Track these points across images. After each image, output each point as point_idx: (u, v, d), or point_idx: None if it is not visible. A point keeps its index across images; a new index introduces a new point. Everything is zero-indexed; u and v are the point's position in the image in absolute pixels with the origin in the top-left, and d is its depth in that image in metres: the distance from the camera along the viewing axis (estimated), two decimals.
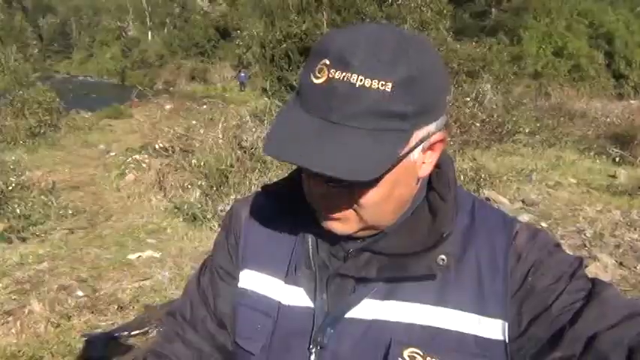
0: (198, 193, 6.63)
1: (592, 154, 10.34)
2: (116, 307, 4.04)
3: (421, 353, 0.81)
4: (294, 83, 10.65)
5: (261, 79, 16.67)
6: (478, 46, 15.29)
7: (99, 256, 5.05)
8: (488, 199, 6.78)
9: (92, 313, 3.92)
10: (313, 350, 0.86)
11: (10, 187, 6.26)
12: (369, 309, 0.85)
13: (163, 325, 1.10)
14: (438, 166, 0.89)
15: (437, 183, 0.89)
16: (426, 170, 0.83)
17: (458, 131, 9.20)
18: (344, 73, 0.71)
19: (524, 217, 6.06)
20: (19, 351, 3.32)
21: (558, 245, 0.88)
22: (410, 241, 0.85)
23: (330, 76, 0.72)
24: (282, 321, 0.90)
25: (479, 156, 8.89)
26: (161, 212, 6.44)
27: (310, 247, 0.91)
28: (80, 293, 4.23)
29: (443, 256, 0.82)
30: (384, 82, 0.70)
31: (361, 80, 0.70)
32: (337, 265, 0.89)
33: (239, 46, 31.21)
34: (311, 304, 0.88)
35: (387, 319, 0.83)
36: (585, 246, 5.41)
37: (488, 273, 0.83)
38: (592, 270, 4.61)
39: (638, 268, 4.86)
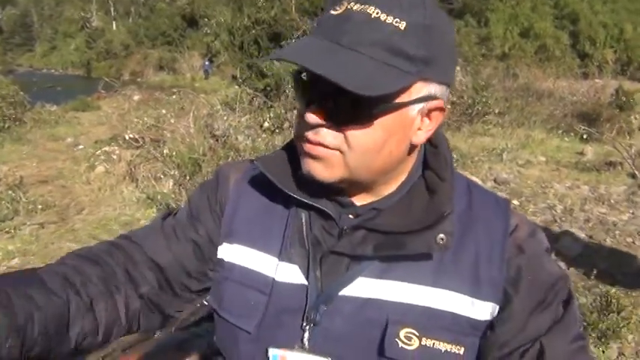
0: (171, 183, 6.55)
1: (560, 132, 10.54)
2: None
3: (417, 334, 0.81)
4: (265, 70, 10.55)
5: (231, 67, 16.48)
6: None
7: (71, 249, 4.93)
8: None
9: None
10: (307, 327, 0.85)
11: None
12: (363, 287, 0.84)
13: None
14: (434, 145, 0.90)
15: (434, 162, 0.89)
16: (420, 138, 0.82)
17: None
18: (362, 6, 0.74)
19: None
20: None
21: (548, 249, 0.92)
22: (408, 219, 0.84)
23: (349, 7, 0.75)
24: (276, 298, 0.88)
25: (450, 137, 8.94)
26: (134, 204, 6.35)
27: (304, 223, 0.90)
28: None
29: (442, 235, 0.81)
30: (398, 20, 0.73)
31: (377, 13, 0.73)
32: (331, 242, 0.87)
33: (207, 34, 30.77)
34: (305, 282, 0.87)
35: (382, 298, 0.83)
36: (556, 221, 5.53)
37: (486, 258, 0.84)
38: (564, 244, 4.72)
39: (607, 240, 4.99)
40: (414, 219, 0.83)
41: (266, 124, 8.33)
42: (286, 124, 8.34)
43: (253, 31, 14.29)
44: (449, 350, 0.82)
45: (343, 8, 0.75)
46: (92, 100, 15.81)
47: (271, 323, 0.88)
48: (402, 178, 0.87)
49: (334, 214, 0.87)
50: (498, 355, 0.84)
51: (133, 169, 7.27)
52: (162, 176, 6.78)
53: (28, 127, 11.39)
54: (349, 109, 0.75)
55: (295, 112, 0.85)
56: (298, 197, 0.87)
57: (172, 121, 8.18)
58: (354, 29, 0.73)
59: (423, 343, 0.81)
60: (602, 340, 3.12)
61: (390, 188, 0.87)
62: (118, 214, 6.04)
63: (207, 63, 29.71)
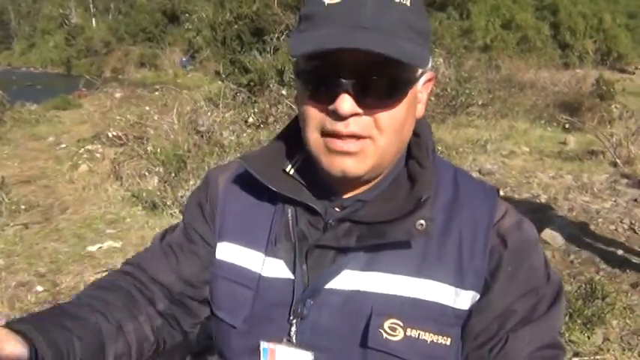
0: (156, 181, 6.50)
1: (543, 122, 10.64)
2: None
3: (401, 324, 0.81)
4: (248, 65, 10.48)
5: (214, 63, 16.36)
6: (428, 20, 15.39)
7: (57, 249, 4.90)
8: None
9: None
10: (294, 321, 0.86)
11: None
12: (349, 280, 0.84)
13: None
14: (417, 134, 0.90)
15: (416, 150, 0.89)
16: (421, 111, 0.86)
17: None
18: None
19: None
20: None
21: (538, 240, 0.91)
22: (389, 208, 0.84)
23: None
24: (263, 293, 0.89)
25: (435, 129, 8.96)
26: (119, 202, 6.29)
27: (290, 218, 0.90)
28: (40, 288, 4.10)
29: (422, 221, 0.80)
30: (404, 0, 0.76)
31: None
32: (317, 236, 0.88)
33: (188, 30, 30.48)
34: (291, 276, 0.88)
35: (368, 290, 0.83)
36: (540, 210, 5.59)
37: (469, 247, 0.84)
38: (548, 233, 4.77)
39: (591, 228, 5.06)
40: (395, 207, 0.84)
41: (250, 120, 8.29)
42: (271, 119, 8.31)
43: (235, 26, 14.18)
44: (435, 341, 0.81)
45: None
46: (73, 99, 15.59)
47: (260, 318, 0.89)
48: (387, 168, 0.88)
49: (320, 208, 0.88)
50: (473, 345, 0.84)
51: (117, 167, 7.19)
52: (146, 173, 6.72)
53: (8, 127, 11.20)
54: (384, 90, 0.76)
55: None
56: (284, 193, 0.87)
57: (156, 117, 8.11)
58: (374, 13, 0.73)
59: (408, 333, 0.81)
60: (588, 326, 3.17)
61: (376, 179, 0.88)
62: (103, 212, 5.98)
63: (183, 59, 29.64)
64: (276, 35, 12.25)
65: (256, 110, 8.53)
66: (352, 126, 0.77)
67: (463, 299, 0.83)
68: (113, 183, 6.93)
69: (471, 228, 0.85)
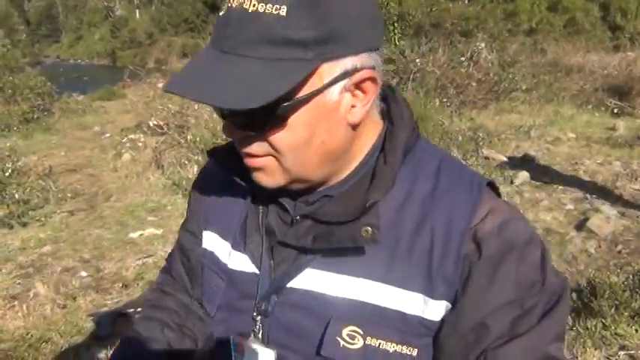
0: (196, 169, 6.59)
1: (590, 107, 10.26)
2: (121, 285, 4.05)
3: (361, 332, 0.76)
4: None
5: None
6: (471, 4, 15.05)
7: (100, 236, 5.05)
8: (487, 157, 6.75)
9: (97, 292, 3.93)
10: (258, 318, 0.83)
11: (7, 174, 6.22)
12: (310, 280, 0.79)
13: (156, 281, 1.13)
14: (392, 122, 0.82)
15: (387, 142, 0.80)
16: (357, 115, 0.74)
17: (454, 92, 9.11)
18: (239, 1, 0.66)
19: (524, 174, 6.04)
20: (27, 333, 3.33)
21: (530, 242, 0.76)
22: (343, 209, 0.77)
23: (229, 5, 0.67)
24: (230, 284, 0.88)
25: (476, 116, 8.82)
26: (160, 190, 6.41)
27: (260, 211, 0.87)
28: (84, 274, 4.23)
29: (368, 228, 0.73)
30: (278, 6, 0.64)
31: (254, 5, 0.65)
32: (284, 231, 0.83)
33: None
34: (256, 271, 0.84)
35: (328, 293, 0.78)
36: (587, 199, 5.40)
37: (440, 252, 0.75)
38: (595, 222, 4.61)
39: (639, 218, 4.85)
40: (346, 209, 0.77)
41: None
42: None
43: None
44: (398, 351, 0.75)
45: (225, 8, 0.68)
46: (118, 89, 15.99)
47: (230, 309, 0.89)
48: (358, 159, 0.81)
49: (288, 203, 0.84)
50: None
51: (158, 155, 7.34)
52: (186, 162, 6.83)
53: (56, 117, 11.58)
54: (256, 118, 0.69)
55: None
56: (253, 188, 0.83)
57: (196, 107, 8.21)
58: (234, 31, 0.66)
59: (368, 342, 0.75)
60: (635, 319, 3.05)
61: (343, 173, 0.81)
62: (145, 200, 6.11)
63: None
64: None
65: None
66: (244, 147, 0.74)
67: (433, 309, 0.75)
68: (155, 171, 7.07)
69: (445, 229, 0.76)
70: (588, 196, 5.48)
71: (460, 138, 6.93)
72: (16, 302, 3.76)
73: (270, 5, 0.64)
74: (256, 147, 0.73)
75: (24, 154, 7.83)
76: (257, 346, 0.83)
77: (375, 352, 0.75)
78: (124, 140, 8.46)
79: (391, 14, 11.47)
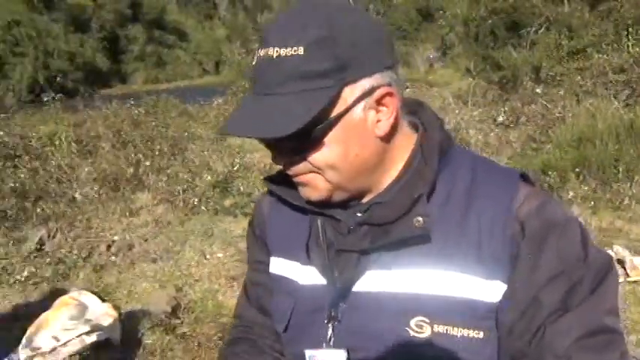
0: None
1: None
2: None
3: (428, 321, 0.82)
4: (501, 61, 10.07)
5: (465, 60, 16.15)
6: None
7: None
8: None
9: None
10: (329, 325, 0.90)
11: (235, 168, 7.01)
12: (373, 280, 0.87)
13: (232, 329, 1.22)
14: (425, 129, 0.92)
15: (425, 146, 0.90)
16: (383, 128, 0.84)
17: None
18: (264, 50, 0.79)
19: None
20: None
21: (569, 221, 0.84)
22: (393, 210, 0.86)
23: (258, 55, 0.81)
24: (301, 300, 0.95)
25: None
26: None
27: (320, 227, 0.95)
28: None
29: (419, 218, 0.82)
30: (296, 48, 0.77)
31: (277, 51, 0.78)
32: (341, 241, 0.92)
33: (442, 26, 30.61)
34: (324, 282, 0.92)
35: (391, 289, 0.85)
36: None
37: (488, 236, 0.82)
38: None
39: None
40: (397, 207, 0.86)
41: (500, 118, 7.97)
42: (522, 119, 7.87)
43: (490, 21, 13.75)
44: (465, 335, 0.81)
45: (256, 59, 0.82)
46: None
47: (301, 323, 0.95)
48: (396, 168, 0.90)
49: (341, 215, 0.92)
50: (510, 339, 0.81)
51: None
52: None
53: None
54: (297, 143, 0.81)
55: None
56: (307, 207, 0.93)
57: None
58: (265, 76, 0.80)
59: (435, 330, 0.82)
60: None
61: (386, 181, 0.90)
62: None
63: (431, 56, 30.14)
64: (534, 29, 11.53)
65: (507, 109, 8.17)
66: (294, 169, 0.87)
67: (491, 290, 0.82)
68: None
69: (490, 216, 0.83)
70: None
71: None
72: (235, 283, 4.24)
73: (289, 48, 0.77)
74: (300, 167, 0.86)
75: (249, 152, 8.75)
76: (330, 352, 0.90)
77: (444, 338, 0.81)
78: None
79: (625, 17, 10.27)
